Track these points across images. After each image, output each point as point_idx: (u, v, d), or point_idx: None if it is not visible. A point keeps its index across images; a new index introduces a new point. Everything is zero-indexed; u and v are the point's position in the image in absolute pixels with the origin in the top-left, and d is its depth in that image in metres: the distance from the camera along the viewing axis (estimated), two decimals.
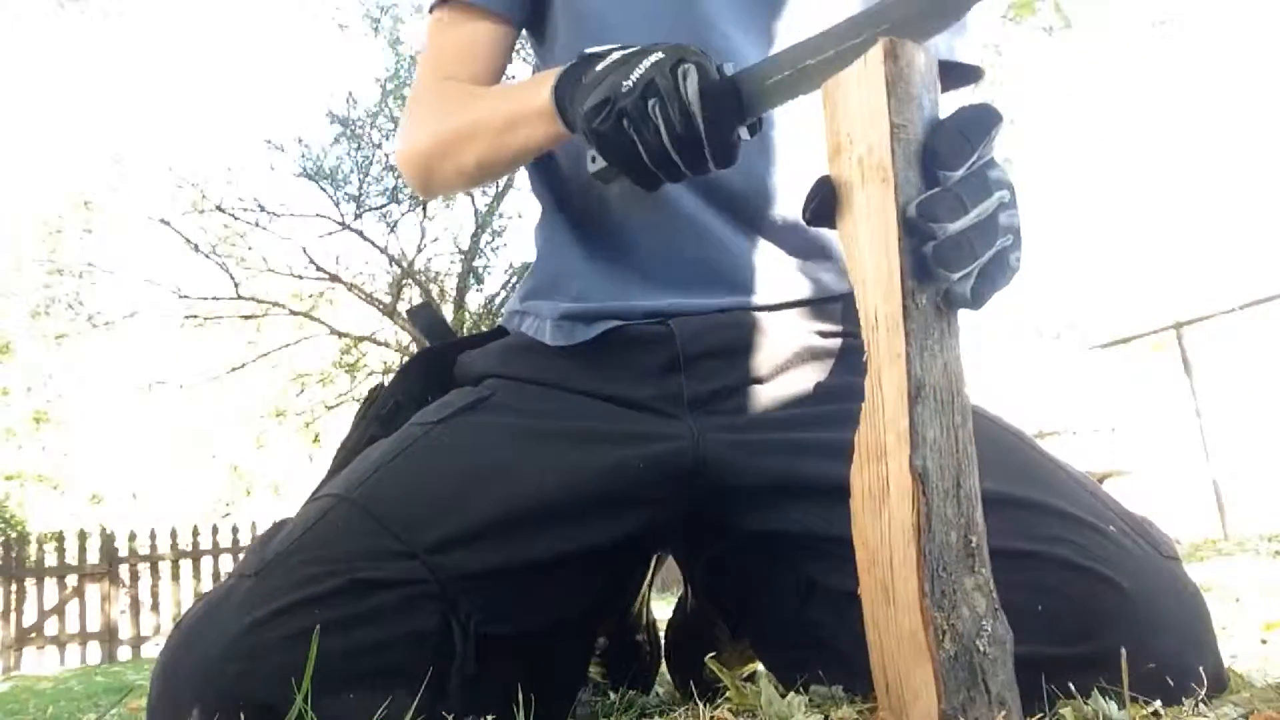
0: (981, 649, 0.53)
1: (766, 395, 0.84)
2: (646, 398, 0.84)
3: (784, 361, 0.85)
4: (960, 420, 0.57)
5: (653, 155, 0.70)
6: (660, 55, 0.70)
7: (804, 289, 0.89)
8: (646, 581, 1.10)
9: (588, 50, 0.76)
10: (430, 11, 0.97)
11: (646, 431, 0.82)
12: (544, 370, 0.88)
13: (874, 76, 0.57)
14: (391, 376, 1.00)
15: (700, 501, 0.82)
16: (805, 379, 0.85)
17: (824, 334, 0.87)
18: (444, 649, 0.71)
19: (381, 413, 0.94)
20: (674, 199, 0.86)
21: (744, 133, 0.72)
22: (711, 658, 0.80)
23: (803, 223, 0.90)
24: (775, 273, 0.88)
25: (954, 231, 0.56)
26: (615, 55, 0.73)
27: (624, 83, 0.69)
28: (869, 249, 0.59)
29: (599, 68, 0.73)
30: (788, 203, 0.89)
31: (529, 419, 0.84)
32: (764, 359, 0.85)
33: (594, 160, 0.75)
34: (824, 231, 0.92)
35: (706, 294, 0.87)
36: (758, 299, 0.86)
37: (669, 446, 0.81)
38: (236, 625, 0.66)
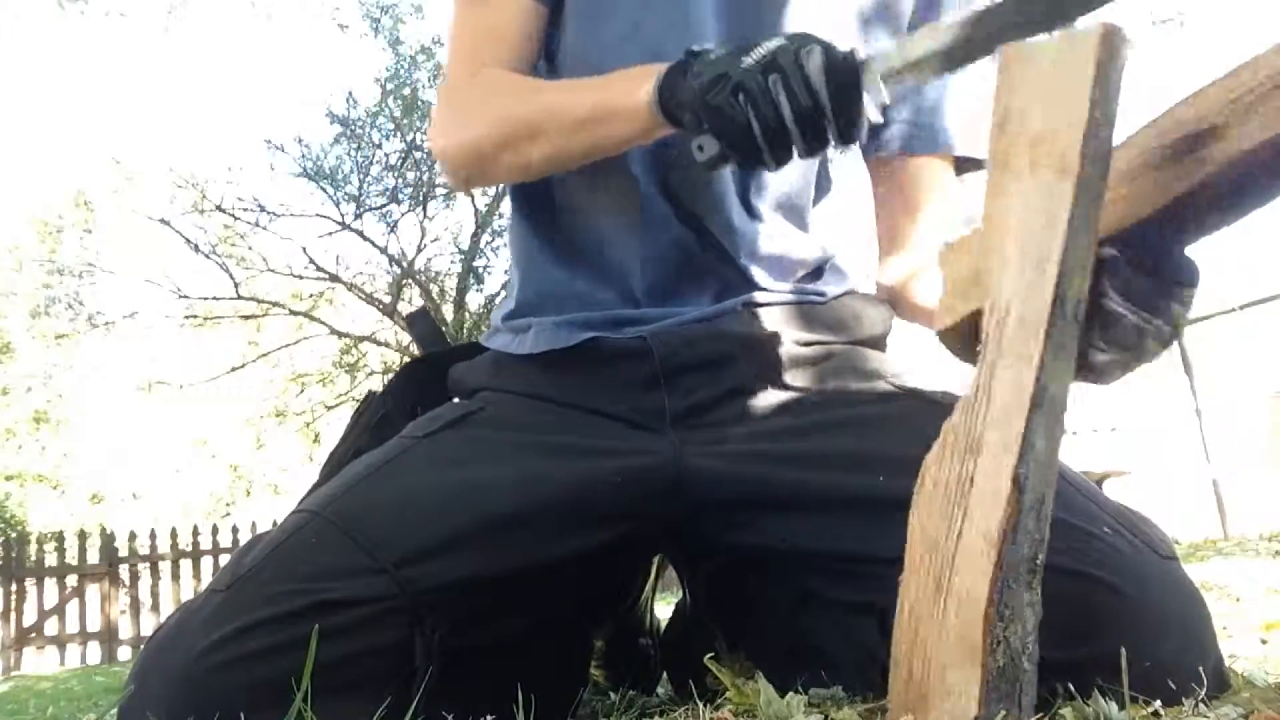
0: (1025, 665, 0.53)
1: (748, 407, 0.84)
2: (628, 411, 0.84)
3: (764, 372, 0.85)
4: (1059, 437, 0.55)
5: (768, 132, 0.69)
6: (783, 40, 0.70)
7: (783, 296, 0.90)
8: (649, 584, 1.10)
9: (695, 47, 0.75)
10: None
11: (626, 446, 0.82)
12: (533, 384, 0.88)
13: (1080, 60, 0.53)
14: (386, 382, 1.01)
15: (684, 515, 0.82)
16: (786, 389, 0.85)
17: (804, 343, 0.87)
18: (408, 661, 0.72)
19: (371, 423, 0.95)
20: (648, 209, 0.87)
21: (873, 114, 0.70)
22: (710, 658, 0.80)
23: (778, 233, 0.91)
24: (754, 281, 0.89)
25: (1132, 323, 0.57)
26: (730, 47, 0.72)
27: (744, 59, 0.69)
28: (1019, 237, 0.56)
29: (713, 56, 0.72)
30: (762, 213, 0.90)
31: (512, 433, 0.84)
32: (745, 371, 0.85)
33: (701, 149, 0.73)
34: (800, 239, 0.93)
35: (680, 291, 0.88)
36: (737, 308, 0.87)
37: (648, 460, 0.81)
38: (202, 641, 0.67)
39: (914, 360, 0.91)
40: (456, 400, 0.92)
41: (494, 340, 0.95)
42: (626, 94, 0.78)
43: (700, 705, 0.71)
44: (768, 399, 0.85)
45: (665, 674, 1.11)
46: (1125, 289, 0.56)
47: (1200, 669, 0.63)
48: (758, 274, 0.89)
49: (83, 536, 8.01)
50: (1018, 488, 0.53)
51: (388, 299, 10.23)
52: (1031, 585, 0.54)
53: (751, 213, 0.90)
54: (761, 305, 0.88)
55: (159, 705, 0.66)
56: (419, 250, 10.32)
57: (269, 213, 10.16)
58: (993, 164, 0.58)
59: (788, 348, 0.86)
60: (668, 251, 0.88)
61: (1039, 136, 0.55)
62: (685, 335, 0.85)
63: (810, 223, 0.94)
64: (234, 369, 11.07)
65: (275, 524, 0.82)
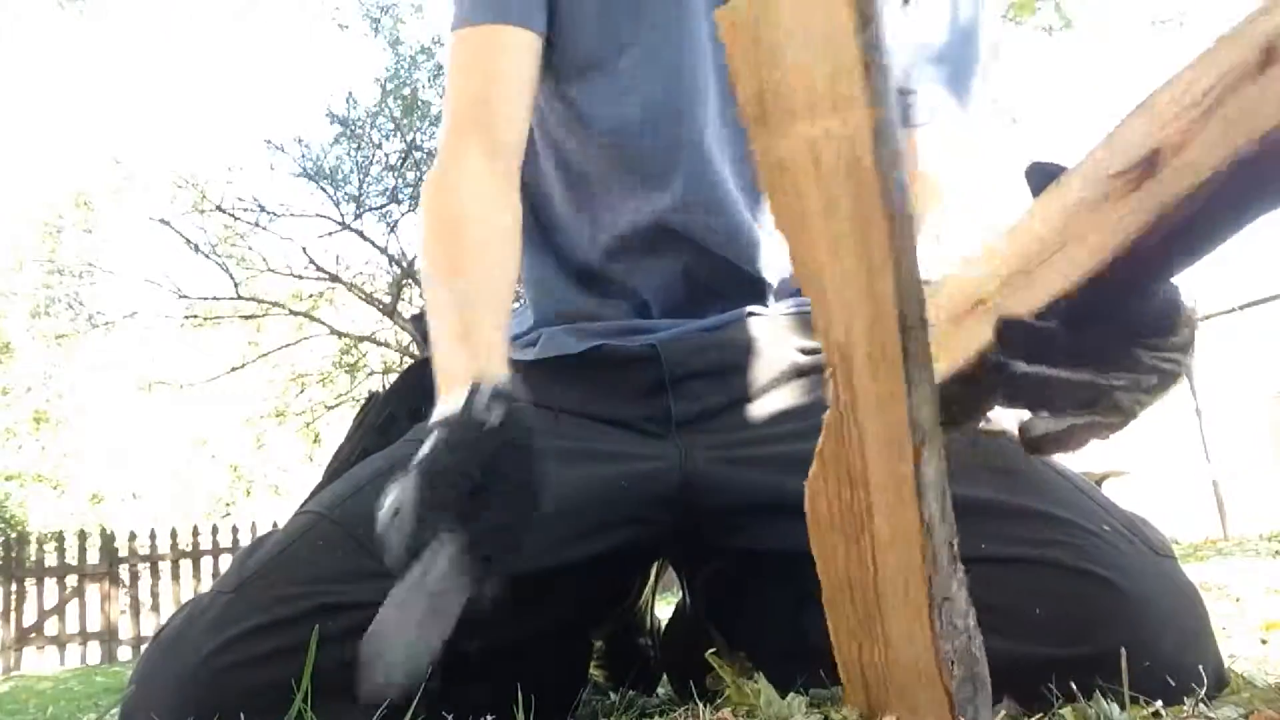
0: (976, 653, 0.51)
1: (753, 413, 0.85)
2: (634, 418, 0.84)
3: (770, 379, 0.85)
4: (942, 438, 0.49)
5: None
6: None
7: (786, 305, 0.90)
8: (649, 585, 1.10)
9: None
10: (454, 30, 0.91)
11: (633, 451, 0.82)
12: (538, 390, 0.88)
13: (837, 21, 0.42)
14: (388, 383, 1.01)
15: (690, 520, 0.83)
16: (791, 395, 0.86)
17: (809, 351, 0.88)
18: None
19: (376, 423, 0.95)
20: (658, 243, 0.88)
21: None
22: (712, 653, 0.80)
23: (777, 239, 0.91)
24: (756, 291, 0.89)
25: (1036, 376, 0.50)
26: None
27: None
28: (839, 260, 0.47)
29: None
30: (763, 221, 0.90)
31: None
32: (750, 378, 0.85)
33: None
34: None
35: (691, 313, 0.88)
36: (741, 317, 0.87)
37: (655, 466, 0.81)
38: (209, 643, 0.67)
39: None
40: None
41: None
42: (444, 381, 0.72)
43: (700, 705, 0.71)
44: (772, 405, 0.85)
45: (665, 674, 1.11)
46: (1063, 352, 0.50)
47: (1199, 667, 0.63)
48: (769, 289, 0.90)
49: (83, 536, 8.01)
50: (927, 530, 0.48)
51: (388, 299, 10.22)
52: (957, 572, 0.50)
53: (769, 233, 0.90)
54: (768, 315, 0.88)
55: (164, 706, 0.66)
56: (419, 250, 10.33)
57: (269, 213, 10.16)
58: (764, 159, 0.47)
59: (793, 356, 0.87)
60: (678, 280, 0.89)
61: (820, 136, 0.44)
62: (693, 343, 0.85)
63: None
64: (234, 369, 11.07)
65: (276, 524, 0.82)
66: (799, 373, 0.87)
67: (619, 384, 0.85)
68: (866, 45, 0.43)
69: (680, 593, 1.10)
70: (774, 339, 0.87)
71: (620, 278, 0.91)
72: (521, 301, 1.02)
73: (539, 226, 0.98)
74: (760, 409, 0.85)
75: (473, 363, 0.71)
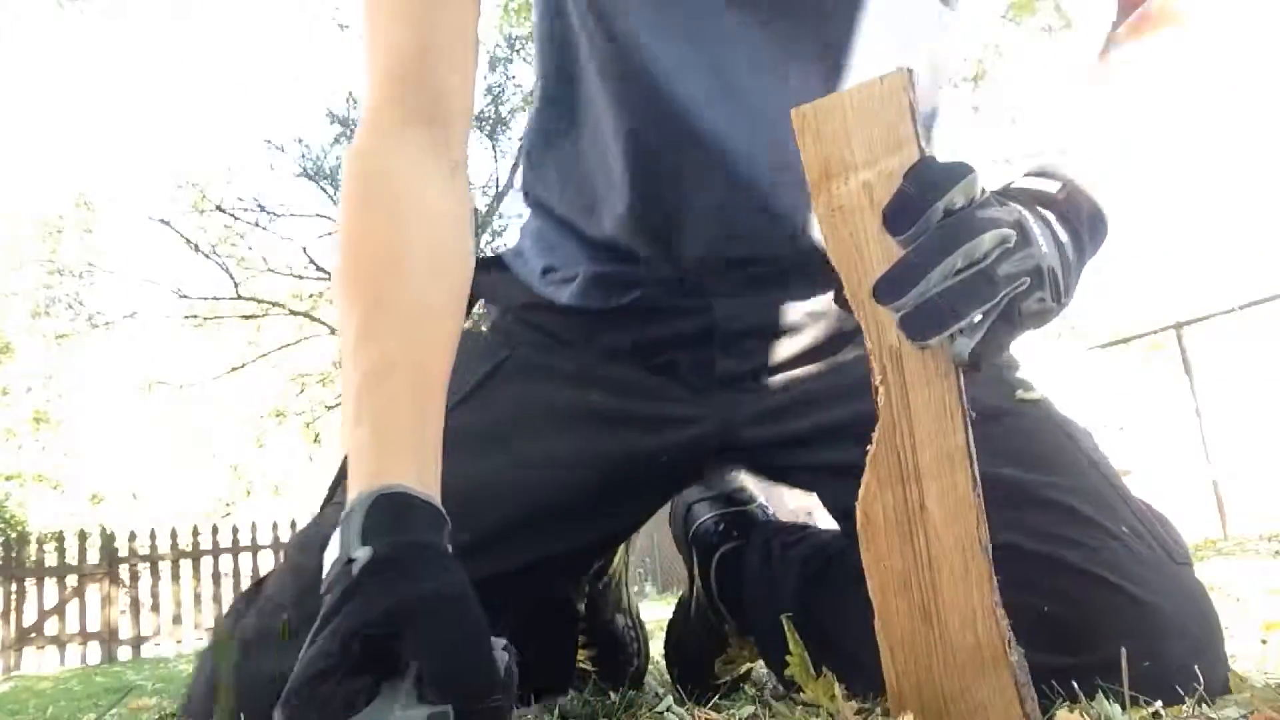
0: (1014, 642, 0.54)
1: (795, 376, 0.83)
2: (677, 368, 0.82)
3: (813, 344, 0.83)
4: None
5: None
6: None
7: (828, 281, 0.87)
8: (619, 557, 1.09)
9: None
10: None
11: (675, 414, 0.81)
12: (571, 328, 0.84)
13: (894, 99, 0.55)
14: None
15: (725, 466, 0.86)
16: (830, 359, 0.83)
17: (846, 318, 0.84)
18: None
19: None
20: (716, 184, 0.79)
21: None
22: (788, 617, 0.77)
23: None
24: (803, 266, 0.82)
25: (922, 296, 0.53)
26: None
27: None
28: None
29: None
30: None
31: (547, 386, 0.81)
32: (795, 341, 0.82)
33: None
34: None
35: (746, 287, 0.82)
36: (792, 289, 0.82)
37: (696, 431, 0.80)
38: (290, 662, 0.58)
39: None
40: (482, 330, 0.88)
41: (528, 268, 0.87)
42: (358, 459, 0.57)
43: (697, 706, 0.71)
44: (813, 367, 0.83)
45: (665, 671, 1.11)
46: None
47: (1207, 676, 0.63)
48: (806, 261, 0.81)
49: (83, 536, 8.00)
50: (977, 491, 0.54)
51: None
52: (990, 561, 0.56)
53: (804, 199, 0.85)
54: (812, 292, 0.83)
55: (262, 712, 0.61)
56: None
57: (269, 213, 10.17)
58: (823, 210, 0.58)
59: (840, 323, 0.83)
60: (731, 231, 0.81)
61: (871, 179, 0.56)
62: (744, 303, 0.81)
63: None
64: (234, 369, 11.07)
65: (295, 523, 0.81)
66: (845, 340, 0.83)
67: (665, 334, 0.82)
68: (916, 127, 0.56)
69: (684, 590, 1.10)
70: (819, 305, 0.83)
71: (669, 217, 0.80)
72: (524, 221, 0.94)
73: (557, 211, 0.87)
74: (801, 372, 0.82)
75: (375, 461, 0.56)
